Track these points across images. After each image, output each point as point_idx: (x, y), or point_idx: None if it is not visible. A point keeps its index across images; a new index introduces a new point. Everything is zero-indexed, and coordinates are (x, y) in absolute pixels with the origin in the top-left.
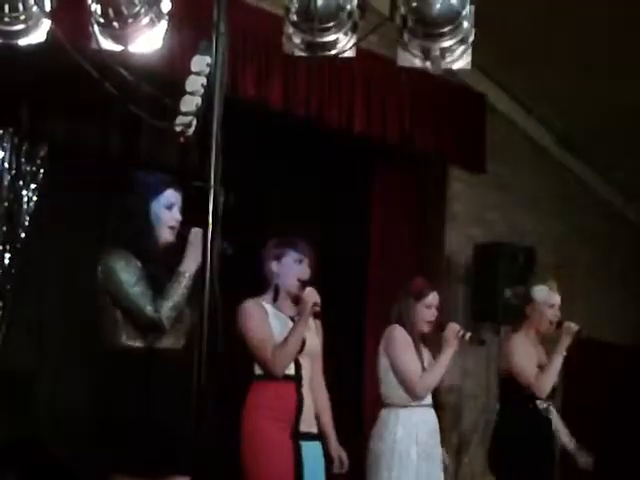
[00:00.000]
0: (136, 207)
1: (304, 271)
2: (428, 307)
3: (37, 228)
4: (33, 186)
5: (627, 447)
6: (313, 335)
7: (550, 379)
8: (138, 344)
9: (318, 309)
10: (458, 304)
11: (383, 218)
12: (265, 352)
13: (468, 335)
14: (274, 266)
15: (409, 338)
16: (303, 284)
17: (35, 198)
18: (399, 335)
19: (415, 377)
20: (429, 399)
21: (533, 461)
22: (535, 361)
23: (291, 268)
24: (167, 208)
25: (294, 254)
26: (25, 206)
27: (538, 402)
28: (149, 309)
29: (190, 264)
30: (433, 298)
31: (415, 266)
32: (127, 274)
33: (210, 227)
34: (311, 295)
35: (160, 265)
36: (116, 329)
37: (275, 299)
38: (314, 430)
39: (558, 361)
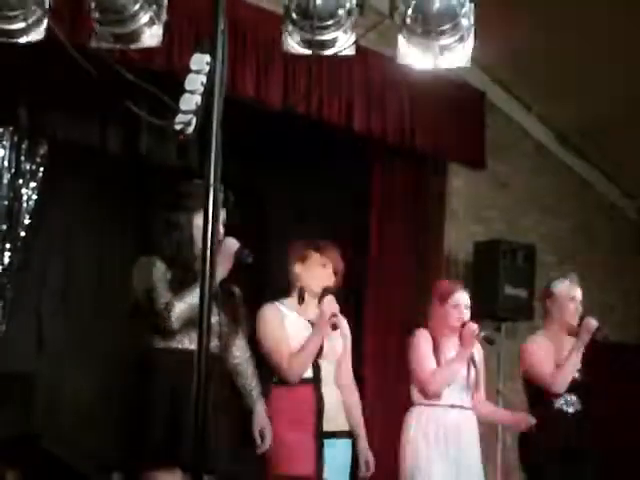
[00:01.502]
0: (178, 219)
1: (328, 276)
2: (455, 307)
3: (37, 227)
4: (33, 184)
5: (633, 447)
6: (334, 337)
7: (565, 376)
8: (161, 345)
9: (336, 320)
10: None
11: (382, 215)
12: (280, 359)
13: (482, 335)
14: (298, 268)
15: (429, 340)
16: (325, 290)
17: (35, 196)
18: (418, 338)
19: (426, 375)
20: (452, 400)
21: (550, 460)
22: (551, 358)
23: (314, 271)
24: None
25: (319, 258)
26: (25, 204)
27: (555, 400)
28: (162, 302)
29: (218, 271)
30: (459, 298)
31: (415, 263)
32: (150, 277)
33: (209, 225)
34: (329, 305)
35: (190, 274)
36: (145, 331)
37: (300, 302)
38: (342, 428)
39: (574, 358)
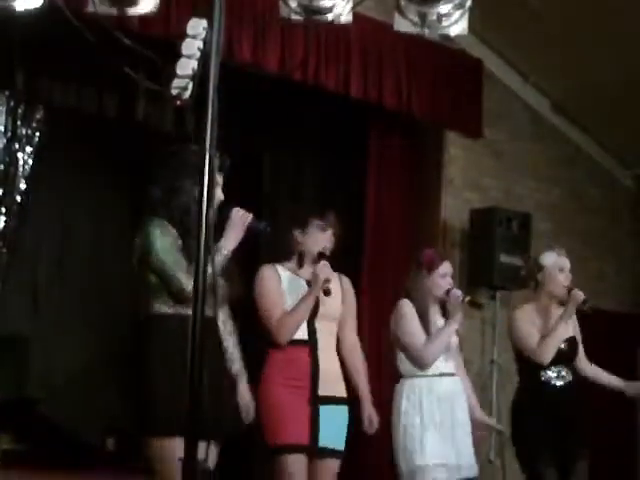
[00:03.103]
0: (182, 184)
1: (328, 239)
2: (443, 276)
3: (33, 191)
4: (29, 149)
5: (621, 414)
6: (332, 299)
7: (551, 347)
8: (170, 311)
9: (328, 286)
10: (454, 269)
11: (379, 183)
12: (270, 320)
13: (467, 299)
14: (298, 233)
15: (414, 311)
16: (320, 254)
17: (31, 161)
18: (404, 309)
19: (419, 346)
20: (439, 368)
21: (537, 431)
22: (536, 330)
23: (315, 236)
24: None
25: (319, 222)
26: (21, 169)
27: (542, 372)
28: (180, 275)
29: (228, 241)
30: (446, 267)
31: (411, 231)
32: (163, 241)
33: (205, 190)
34: (323, 271)
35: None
36: (149, 295)
37: (300, 266)
38: (339, 394)
39: (560, 329)
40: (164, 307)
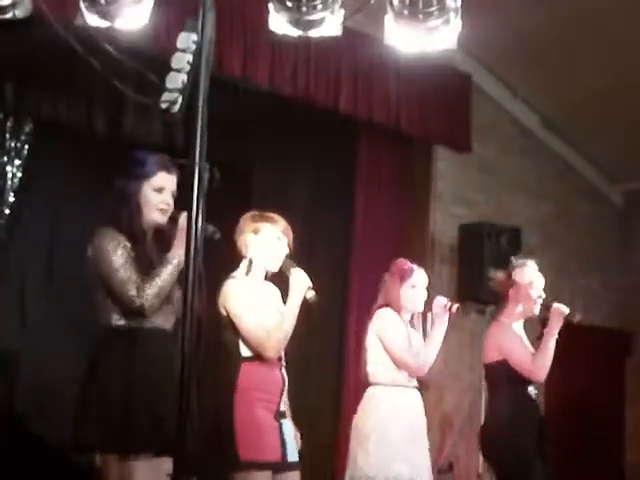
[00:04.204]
0: (128, 188)
1: (283, 248)
2: (413, 287)
3: (22, 205)
4: (18, 162)
5: (607, 427)
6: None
7: (546, 363)
8: (126, 324)
9: (313, 293)
10: (443, 284)
11: (368, 197)
12: (258, 335)
13: (455, 307)
14: (251, 240)
15: (399, 320)
16: (287, 257)
17: (20, 174)
18: (389, 318)
19: (410, 357)
20: (414, 381)
21: (522, 448)
22: (528, 346)
23: (268, 244)
24: (156, 191)
25: (273, 229)
26: (9, 182)
27: (530, 388)
28: (132, 294)
29: (178, 250)
30: (417, 277)
31: (400, 246)
32: (115, 256)
33: (195, 204)
34: (302, 278)
35: (150, 248)
36: (105, 308)
37: (247, 273)
38: (286, 408)
39: (551, 344)
40: (121, 320)
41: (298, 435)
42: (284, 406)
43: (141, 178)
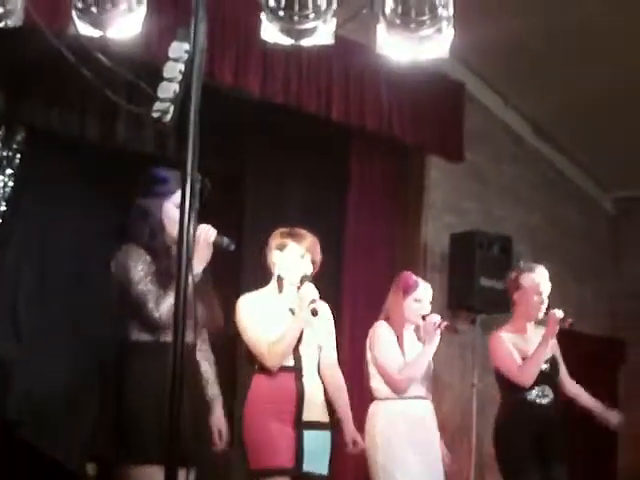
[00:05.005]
0: (150, 205)
1: (306, 265)
2: (417, 300)
3: (13, 214)
4: (9, 171)
5: (601, 433)
6: (315, 324)
7: (531, 369)
8: (146, 338)
9: (315, 305)
10: (434, 293)
11: (360, 206)
12: (260, 347)
13: (444, 325)
14: (276, 257)
15: (392, 334)
16: (304, 277)
17: (11, 183)
18: (380, 331)
19: (394, 371)
20: (416, 392)
21: (515, 450)
22: (517, 353)
23: (293, 261)
24: (178, 207)
25: (297, 247)
26: (1, 191)
27: (527, 392)
28: (150, 307)
29: (195, 262)
30: (422, 291)
31: (392, 254)
32: (136, 270)
33: (186, 213)
34: (308, 291)
35: (173, 263)
36: (125, 322)
37: (280, 291)
38: (322, 419)
39: (541, 350)
40: (141, 334)
41: (357, 438)
42: (315, 417)
43: (163, 195)
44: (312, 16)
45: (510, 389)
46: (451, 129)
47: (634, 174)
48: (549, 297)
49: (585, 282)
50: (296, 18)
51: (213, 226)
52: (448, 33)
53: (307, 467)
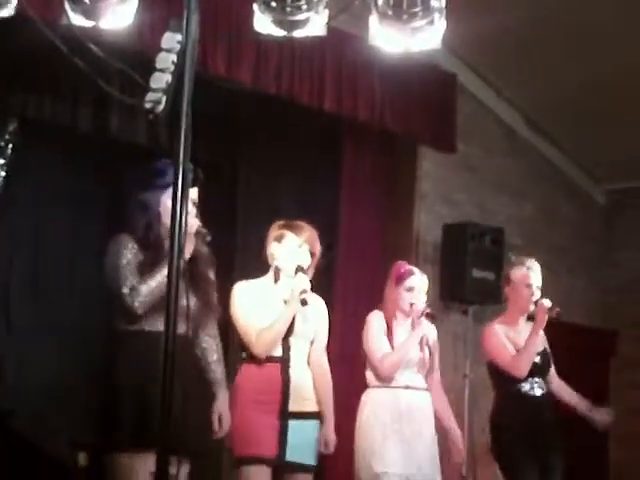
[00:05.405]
0: (149, 198)
1: (304, 256)
2: (409, 290)
3: (5, 205)
4: (2, 161)
5: (591, 426)
6: (309, 317)
7: (525, 360)
8: (130, 327)
9: (305, 296)
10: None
11: (352, 197)
12: (249, 334)
13: (425, 312)
14: (274, 247)
15: (382, 322)
16: (298, 268)
17: (3, 173)
18: (371, 319)
19: (377, 359)
20: (407, 381)
21: (506, 442)
22: (510, 345)
23: (290, 252)
24: None
25: (295, 238)
26: None
27: (521, 384)
28: (124, 292)
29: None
30: (413, 281)
31: (384, 245)
32: (119, 259)
33: (179, 204)
34: (300, 281)
35: (159, 254)
36: (113, 312)
37: (276, 281)
38: (311, 409)
39: (532, 340)
40: (125, 324)
41: (330, 441)
42: (302, 407)
43: (162, 188)
44: (305, 7)
45: (504, 381)
46: (443, 120)
47: (626, 166)
48: (541, 289)
49: (576, 273)
50: (289, 9)
51: (206, 218)
52: (440, 24)
53: (291, 457)
